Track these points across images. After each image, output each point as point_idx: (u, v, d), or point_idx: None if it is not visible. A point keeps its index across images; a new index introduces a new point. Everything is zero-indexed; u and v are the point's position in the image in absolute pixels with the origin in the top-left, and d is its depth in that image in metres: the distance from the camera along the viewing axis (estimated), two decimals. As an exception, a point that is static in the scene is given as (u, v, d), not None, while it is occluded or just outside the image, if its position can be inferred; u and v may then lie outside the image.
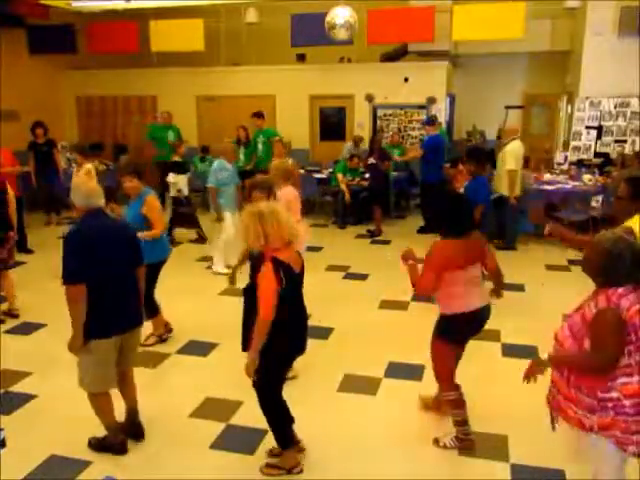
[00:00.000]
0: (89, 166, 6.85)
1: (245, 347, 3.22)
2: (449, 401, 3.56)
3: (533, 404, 4.00)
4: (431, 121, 9.14)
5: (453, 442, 3.55)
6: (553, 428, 2.73)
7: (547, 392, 2.75)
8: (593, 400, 2.48)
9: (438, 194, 3.63)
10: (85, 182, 3.67)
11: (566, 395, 2.59)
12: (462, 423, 3.54)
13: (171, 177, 8.27)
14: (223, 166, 6.79)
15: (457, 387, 3.56)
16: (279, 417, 3.28)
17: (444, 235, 3.40)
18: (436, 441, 3.61)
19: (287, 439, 3.31)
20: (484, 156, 6.11)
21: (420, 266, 3.43)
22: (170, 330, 5.17)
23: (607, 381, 2.44)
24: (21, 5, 9.57)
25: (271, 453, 3.45)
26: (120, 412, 3.66)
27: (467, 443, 3.54)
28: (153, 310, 4.94)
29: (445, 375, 3.54)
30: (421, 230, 8.79)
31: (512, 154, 7.50)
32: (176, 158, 8.47)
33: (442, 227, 3.41)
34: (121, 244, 3.42)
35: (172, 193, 8.36)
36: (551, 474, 3.31)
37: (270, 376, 3.21)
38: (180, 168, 8.40)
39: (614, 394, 2.44)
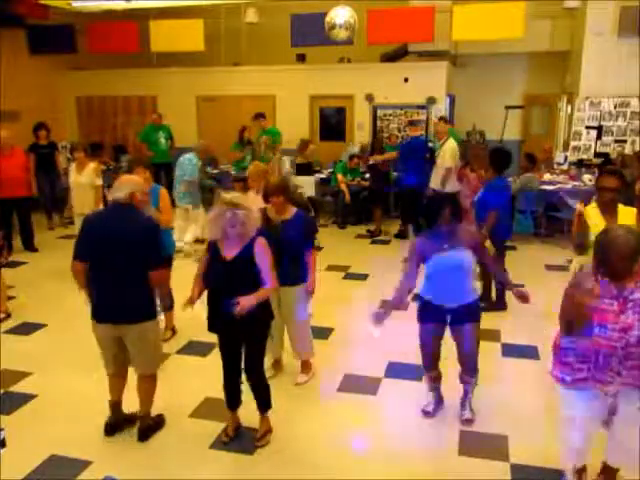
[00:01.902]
0: (93, 165, 6.89)
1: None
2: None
3: (533, 404, 4.02)
4: (414, 123, 9.07)
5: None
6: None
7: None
8: None
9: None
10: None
11: None
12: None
13: (297, 179, 7.89)
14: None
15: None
16: (267, 387, 3.65)
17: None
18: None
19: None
20: (507, 158, 5.88)
21: None
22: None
23: None
24: (21, 5, 9.57)
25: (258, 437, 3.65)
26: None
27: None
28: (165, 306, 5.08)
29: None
30: (399, 235, 8.65)
31: (451, 152, 7.97)
32: (300, 160, 8.00)
33: None
34: (124, 237, 3.39)
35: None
36: (551, 474, 3.30)
37: (262, 354, 3.58)
38: (306, 170, 7.92)
39: None
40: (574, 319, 2.73)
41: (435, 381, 3.94)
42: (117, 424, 3.74)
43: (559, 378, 2.95)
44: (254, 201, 4.81)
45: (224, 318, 3.33)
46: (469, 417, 3.82)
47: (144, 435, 3.68)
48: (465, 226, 3.69)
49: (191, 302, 3.50)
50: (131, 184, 3.54)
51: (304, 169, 7.93)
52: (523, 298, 3.66)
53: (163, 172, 10.29)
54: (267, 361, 4.32)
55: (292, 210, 4.19)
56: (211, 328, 3.51)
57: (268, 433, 3.66)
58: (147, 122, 11.05)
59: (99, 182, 6.77)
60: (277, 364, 4.54)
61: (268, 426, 3.67)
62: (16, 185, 7.54)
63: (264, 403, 3.64)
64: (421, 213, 3.73)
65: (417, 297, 3.81)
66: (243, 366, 3.57)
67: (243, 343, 3.51)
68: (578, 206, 4.04)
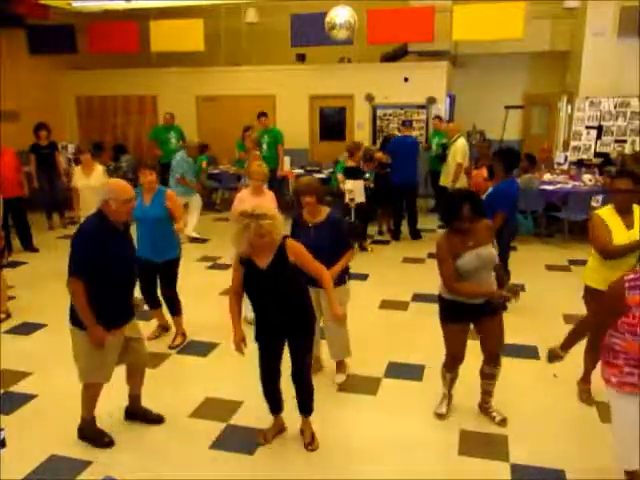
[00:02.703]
0: (101, 167, 6.95)
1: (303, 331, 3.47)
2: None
3: (533, 404, 4.02)
4: (406, 123, 9.12)
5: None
6: None
7: None
8: None
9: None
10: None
11: None
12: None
13: (347, 184, 7.73)
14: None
15: None
16: (313, 390, 3.62)
17: None
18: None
19: None
20: (514, 158, 5.79)
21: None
22: (166, 329, 5.26)
23: None
24: (21, 5, 9.56)
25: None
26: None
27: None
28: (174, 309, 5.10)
29: None
30: (395, 236, 8.65)
31: (462, 150, 8.35)
32: (350, 163, 7.81)
33: None
34: None
35: (345, 200, 7.85)
36: (551, 474, 3.30)
37: (311, 357, 3.60)
38: (356, 174, 7.76)
39: None
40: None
41: (452, 382, 3.92)
42: (133, 412, 3.83)
43: (606, 379, 2.89)
44: (250, 201, 4.80)
45: (272, 326, 3.40)
46: (504, 417, 3.83)
47: (79, 433, 3.67)
48: (482, 221, 3.60)
49: (239, 347, 3.38)
50: (107, 191, 3.42)
51: (353, 172, 7.66)
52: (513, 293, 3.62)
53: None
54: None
55: (325, 211, 4.08)
56: (258, 339, 3.47)
57: (314, 435, 3.63)
58: (147, 122, 11.09)
59: None
60: None
61: (312, 428, 3.65)
62: (9, 186, 7.53)
63: (309, 406, 3.62)
64: (440, 211, 3.68)
65: (439, 298, 3.74)
66: (292, 373, 3.54)
67: (291, 349, 3.50)
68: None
